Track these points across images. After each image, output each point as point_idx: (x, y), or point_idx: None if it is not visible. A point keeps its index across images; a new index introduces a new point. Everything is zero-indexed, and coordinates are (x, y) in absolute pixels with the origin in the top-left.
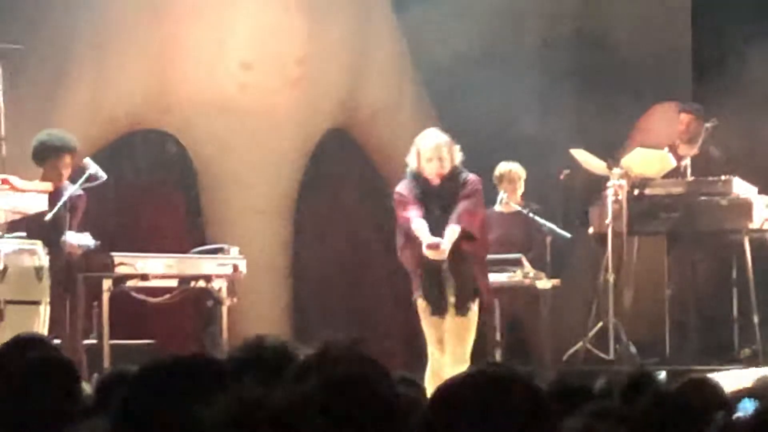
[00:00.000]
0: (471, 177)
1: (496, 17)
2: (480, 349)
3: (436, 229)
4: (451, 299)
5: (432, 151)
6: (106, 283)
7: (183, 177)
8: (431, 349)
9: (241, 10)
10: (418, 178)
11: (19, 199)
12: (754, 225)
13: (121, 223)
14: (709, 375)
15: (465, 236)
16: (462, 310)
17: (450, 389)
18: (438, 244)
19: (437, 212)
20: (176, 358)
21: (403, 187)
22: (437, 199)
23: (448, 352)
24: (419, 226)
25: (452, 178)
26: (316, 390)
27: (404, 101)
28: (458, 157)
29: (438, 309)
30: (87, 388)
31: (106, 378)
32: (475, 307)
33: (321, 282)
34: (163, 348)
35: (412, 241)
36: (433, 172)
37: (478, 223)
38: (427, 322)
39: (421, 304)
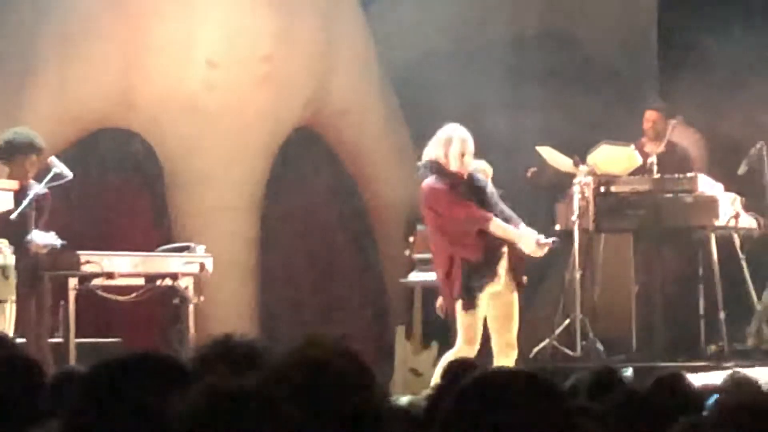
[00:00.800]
0: (484, 176)
1: (463, 15)
2: (447, 346)
3: None
4: (512, 283)
5: (467, 146)
6: (72, 282)
7: (149, 175)
8: (463, 347)
9: (208, 8)
10: (446, 173)
11: None
12: (720, 222)
13: (87, 222)
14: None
15: None
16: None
17: (482, 384)
18: (547, 243)
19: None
20: (129, 356)
21: (442, 186)
22: (466, 196)
23: (496, 341)
24: (503, 224)
25: (473, 176)
26: (287, 374)
27: (372, 99)
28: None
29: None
30: None
31: (55, 378)
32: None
33: (288, 280)
34: (130, 346)
35: (476, 236)
36: (465, 167)
37: None
38: (471, 318)
39: (472, 300)
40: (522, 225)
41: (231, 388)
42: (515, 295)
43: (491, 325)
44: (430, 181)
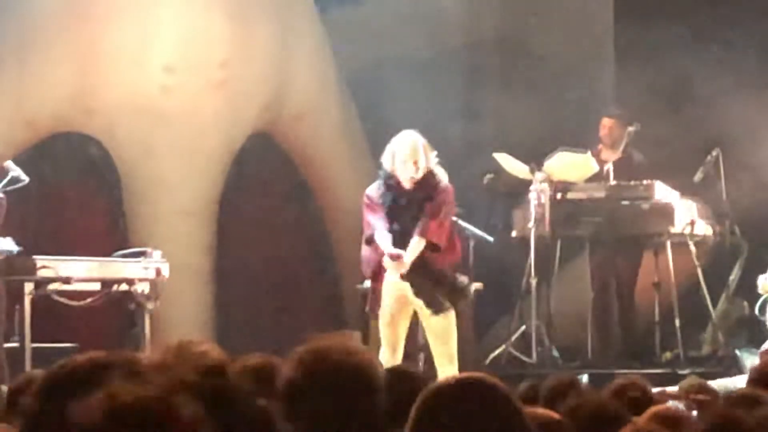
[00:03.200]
0: (443, 185)
1: (419, 22)
2: (404, 354)
3: (405, 237)
4: (420, 302)
5: (408, 154)
6: (28, 287)
7: (106, 180)
8: (384, 351)
9: (164, 12)
10: (391, 181)
11: None
12: (676, 229)
13: (44, 227)
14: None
15: (431, 248)
16: (437, 309)
17: (436, 395)
18: (399, 256)
19: (407, 219)
20: (85, 360)
21: (373, 190)
22: (408, 206)
23: (435, 354)
24: (382, 237)
25: (425, 184)
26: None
27: (328, 104)
28: (433, 161)
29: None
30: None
31: (17, 383)
32: (451, 309)
33: (244, 285)
34: (86, 351)
35: (376, 247)
36: (407, 176)
37: (445, 234)
38: (384, 324)
39: (385, 307)
40: (414, 239)
41: (130, 397)
42: (449, 315)
43: (428, 337)
44: (369, 187)
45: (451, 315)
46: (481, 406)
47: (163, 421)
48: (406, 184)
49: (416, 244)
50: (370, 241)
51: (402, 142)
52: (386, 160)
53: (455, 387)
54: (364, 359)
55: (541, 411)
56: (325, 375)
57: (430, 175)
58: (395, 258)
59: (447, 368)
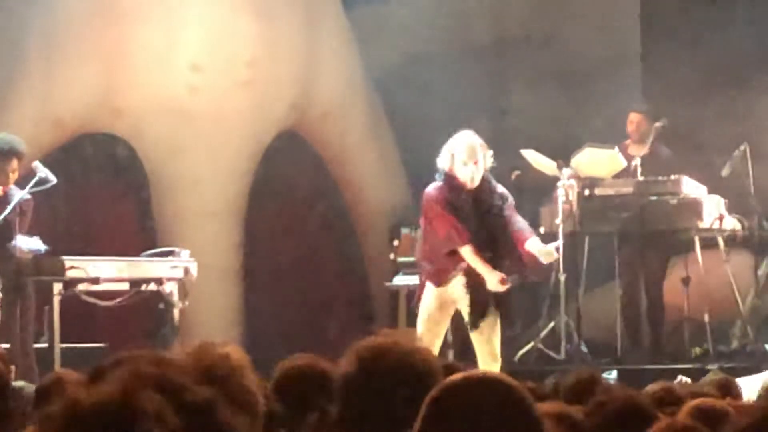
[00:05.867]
0: (505, 190)
1: (446, 18)
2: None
3: (474, 241)
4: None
5: (469, 154)
6: (57, 287)
7: (133, 180)
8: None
9: (191, 12)
10: (452, 182)
11: None
12: (704, 224)
13: (72, 227)
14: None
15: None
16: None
17: (446, 393)
18: (504, 279)
19: (474, 222)
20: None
21: (437, 194)
22: (474, 209)
23: (478, 352)
24: (473, 255)
25: (485, 186)
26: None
27: (355, 102)
28: (489, 162)
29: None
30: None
31: (45, 383)
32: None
33: (272, 284)
34: (115, 351)
35: (449, 247)
36: (468, 177)
37: None
38: (423, 321)
39: (427, 308)
40: (534, 238)
41: (89, 398)
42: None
43: (472, 336)
44: (430, 187)
45: (496, 314)
46: (492, 404)
47: (123, 419)
48: (468, 186)
49: (537, 242)
50: (455, 252)
51: (461, 143)
52: (445, 162)
53: (465, 384)
54: (423, 357)
55: (558, 407)
56: (384, 372)
57: (487, 178)
58: (505, 282)
59: (491, 367)
